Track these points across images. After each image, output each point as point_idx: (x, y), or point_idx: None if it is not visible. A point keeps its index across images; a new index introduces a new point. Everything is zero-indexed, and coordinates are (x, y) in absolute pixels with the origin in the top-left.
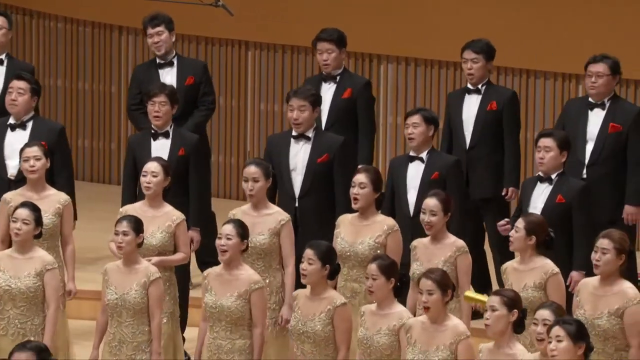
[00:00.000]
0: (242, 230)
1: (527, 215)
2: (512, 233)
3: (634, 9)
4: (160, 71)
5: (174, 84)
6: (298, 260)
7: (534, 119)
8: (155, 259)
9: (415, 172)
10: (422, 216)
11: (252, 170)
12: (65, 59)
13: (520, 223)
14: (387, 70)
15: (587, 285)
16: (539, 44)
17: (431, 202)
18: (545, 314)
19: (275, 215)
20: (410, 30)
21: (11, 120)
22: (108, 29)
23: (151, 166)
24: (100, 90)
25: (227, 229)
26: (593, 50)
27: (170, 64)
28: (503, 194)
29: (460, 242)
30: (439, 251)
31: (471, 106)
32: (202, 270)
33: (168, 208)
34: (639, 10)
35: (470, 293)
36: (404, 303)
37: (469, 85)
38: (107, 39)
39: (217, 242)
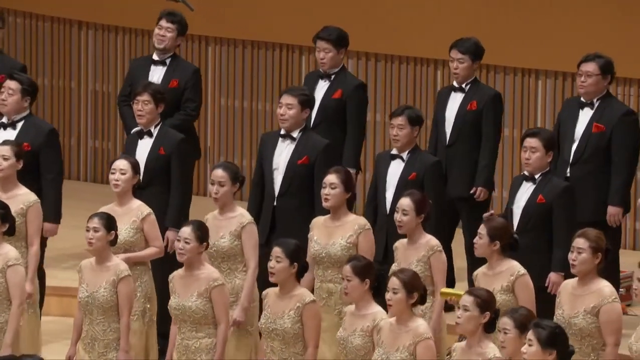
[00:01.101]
0: (201, 233)
1: (489, 221)
2: (476, 240)
3: (629, 7)
4: (153, 67)
5: (159, 84)
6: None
7: (528, 118)
8: (122, 255)
9: (395, 171)
10: (395, 215)
11: (218, 173)
12: (24, 54)
13: (482, 229)
14: (376, 68)
15: (567, 286)
16: (529, 42)
17: (404, 202)
18: (505, 322)
19: (238, 217)
20: (397, 27)
21: (3, 120)
22: (68, 23)
23: (119, 164)
24: (60, 85)
25: (185, 232)
26: (588, 48)
27: (164, 63)
28: (472, 192)
29: (434, 242)
30: (414, 251)
31: (454, 104)
32: None
33: (136, 204)
34: (634, 9)
35: (446, 289)
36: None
37: (454, 83)
38: (67, 34)
39: (176, 244)
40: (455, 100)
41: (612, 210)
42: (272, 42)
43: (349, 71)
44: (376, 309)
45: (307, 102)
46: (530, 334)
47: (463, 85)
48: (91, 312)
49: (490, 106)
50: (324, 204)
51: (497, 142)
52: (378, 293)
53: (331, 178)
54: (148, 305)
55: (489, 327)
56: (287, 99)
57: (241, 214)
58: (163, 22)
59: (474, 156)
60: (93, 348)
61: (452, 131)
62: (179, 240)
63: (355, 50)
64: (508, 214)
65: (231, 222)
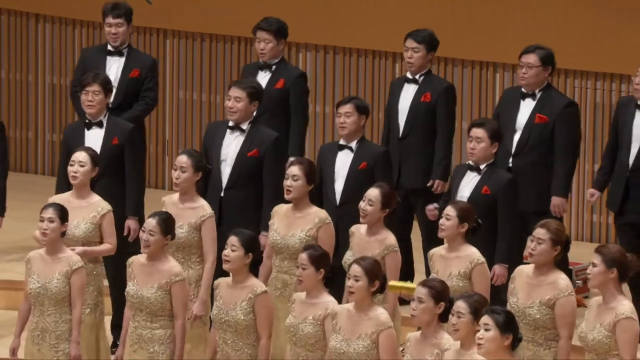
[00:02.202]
0: (166, 225)
1: (456, 203)
2: (442, 221)
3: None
4: (109, 58)
5: (119, 74)
6: (219, 253)
7: (471, 109)
8: (79, 248)
9: (343, 161)
10: (360, 203)
11: (182, 159)
12: None
13: (451, 211)
14: (315, 59)
15: (521, 273)
16: (474, 34)
17: (373, 192)
18: (459, 305)
19: (198, 209)
20: (341, 19)
21: None
22: (25, 16)
23: (79, 156)
24: (17, 79)
25: (151, 224)
26: (528, 40)
27: (120, 53)
28: (429, 185)
29: (391, 241)
30: (371, 245)
31: (407, 96)
32: None
33: (95, 199)
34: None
35: (394, 282)
36: (334, 294)
37: (408, 75)
38: (24, 26)
39: (140, 235)
40: (408, 92)
41: (557, 201)
42: (230, 35)
43: (288, 61)
44: (328, 298)
45: (255, 94)
46: (486, 319)
47: (417, 77)
48: (42, 304)
49: (444, 98)
50: (286, 196)
51: (451, 134)
52: (330, 284)
53: (294, 170)
54: (100, 299)
55: (444, 317)
56: (235, 92)
57: (202, 206)
58: (110, 19)
59: (427, 148)
60: (43, 340)
61: (405, 123)
62: (143, 231)
63: (308, 42)
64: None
65: (191, 213)
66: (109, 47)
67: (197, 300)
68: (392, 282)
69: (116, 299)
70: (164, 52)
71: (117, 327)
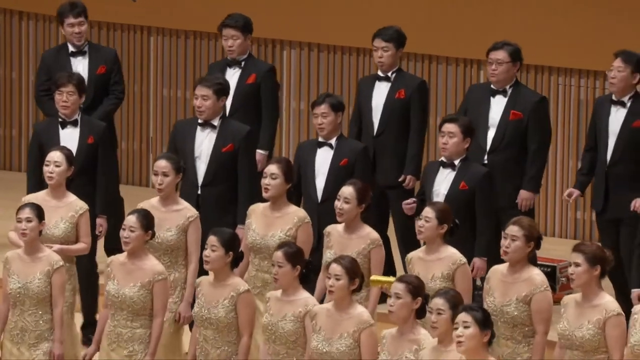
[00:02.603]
0: (146, 221)
1: (434, 204)
2: (422, 223)
3: None
4: (72, 59)
5: (86, 73)
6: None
7: (437, 105)
8: (56, 246)
9: (324, 158)
10: (336, 202)
11: (162, 164)
12: None
13: (430, 213)
14: (290, 56)
15: (496, 272)
16: (442, 30)
17: (347, 190)
18: (438, 302)
19: (184, 211)
20: (314, 16)
21: None
22: (8, 14)
23: (54, 155)
24: (1, 76)
25: (131, 221)
26: (495, 36)
27: (83, 53)
28: (400, 180)
29: (375, 235)
30: (353, 242)
31: (380, 93)
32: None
33: (72, 198)
34: None
35: (376, 277)
36: (309, 290)
37: (379, 72)
38: (8, 24)
39: (121, 233)
40: (380, 90)
41: (526, 195)
42: (215, 33)
43: (255, 57)
44: (305, 294)
45: (222, 90)
46: (464, 317)
47: (389, 74)
48: (23, 303)
49: (417, 94)
50: (264, 194)
51: (424, 130)
52: (305, 280)
53: (272, 168)
54: (76, 298)
55: (420, 313)
56: (201, 91)
57: (187, 207)
58: (71, 19)
59: (402, 144)
60: (23, 339)
61: (380, 121)
62: (124, 229)
63: (292, 40)
64: (424, 199)
65: (178, 216)
66: (71, 48)
67: (183, 302)
68: (374, 277)
69: (84, 296)
70: (148, 50)
71: (87, 323)
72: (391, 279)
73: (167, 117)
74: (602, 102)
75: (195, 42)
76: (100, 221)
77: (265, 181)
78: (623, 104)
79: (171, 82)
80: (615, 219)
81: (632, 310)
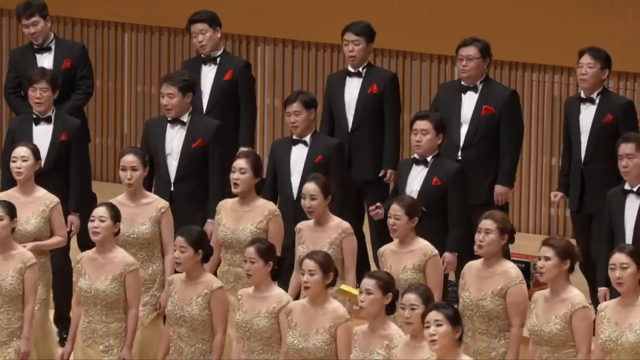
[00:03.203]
0: (115, 213)
1: (401, 200)
2: (393, 221)
3: None
4: (38, 56)
5: (51, 68)
6: None
7: (411, 101)
8: (30, 244)
9: (299, 156)
10: (302, 201)
11: (130, 159)
12: None
13: (399, 210)
14: (265, 53)
15: (471, 267)
16: (414, 26)
17: (310, 187)
18: (411, 298)
19: (155, 203)
20: (288, 12)
21: None
22: None
23: (20, 151)
24: None
25: (100, 211)
26: (470, 32)
27: (48, 49)
28: (381, 175)
29: (346, 224)
30: (324, 234)
31: (352, 89)
32: None
33: (41, 192)
34: None
35: (345, 287)
36: (282, 286)
37: (349, 68)
38: None
39: (90, 224)
40: (352, 85)
41: (500, 190)
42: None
43: (229, 52)
44: (279, 290)
45: (187, 87)
46: (436, 315)
47: (360, 70)
48: None
49: (390, 88)
50: (233, 189)
51: (399, 124)
52: (277, 276)
53: (241, 163)
54: (49, 294)
55: (390, 309)
56: (167, 89)
57: (156, 199)
58: (24, 20)
59: (377, 139)
60: None
61: (354, 116)
62: (92, 220)
63: (267, 37)
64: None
65: (149, 208)
66: (35, 45)
67: (163, 293)
68: (343, 286)
69: (58, 292)
70: (122, 46)
71: (60, 319)
72: (358, 292)
73: (141, 113)
74: (571, 102)
75: (169, 39)
76: (72, 218)
77: (234, 176)
78: (592, 101)
79: (145, 78)
80: (590, 215)
81: (598, 307)
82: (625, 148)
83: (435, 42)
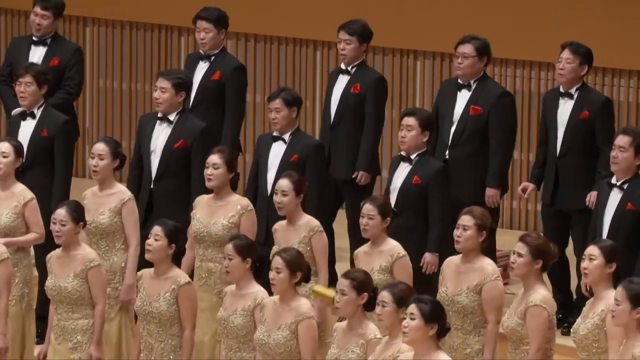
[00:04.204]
0: (76, 213)
1: (373, 200)
2: (365, 221)
3: None
4: (33, 48)
5: (40, 63)
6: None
7: (407, 99)
8: (2, 240)
9: (276, 153)
10: (274, 197)
11: (99, 147)
12: None
13: (371, 210)
14: (246, 49)
15: (450, 263)
16: (411, 23)
17: (283, 183)
18: (383, 295)
19: (118, 194)
20: (276, 9)
21: None
22: None
23: (2, 146)
24: None
25: (60, 214)
26: (465, 29)
27: (44, 43)
28: (354, 176)
29: (315, 222)
30: (294, 232)
31: (340, 86)
32: None
33: (18, 188)
34: None
35: (319, 287)
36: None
37: (342, 66)
38: None
39: (52, 226)
40: (341, 82)
41: (490, 192)
42: (151, 23)
43: (228, 52)
44: (257, 288)
45: (181, 85)
46: (412, 308)
47: (349, 68)
48: None
49: (373, 90)
50: (207, 184)
51: (378, 126)
52: (259, 274)
53: (214, 158)
54: (26, 290)
55: (369, 307)
56: (161, 83)
57: (121, 190)
58: (38, 9)
59: (357, 139)
60: None
61: (335, 113)
62: (54, 223)
63: (235, 31)
64: (386, 194)
65: (111, 199)
66: (34, 37)
67: (123, 285)
68: (316, 287)
69: (42, 291)
70: (83, 40)
71: (39, 318)
72: (332, 293)
73: (103, 108)
74: (550, 95)
75: (131, 33)
76: None
77: (207, 171)
78: (570, 96)
79: (107, 73)
80: (562, 211)
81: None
82: (621, 140)
83: (436, 39)
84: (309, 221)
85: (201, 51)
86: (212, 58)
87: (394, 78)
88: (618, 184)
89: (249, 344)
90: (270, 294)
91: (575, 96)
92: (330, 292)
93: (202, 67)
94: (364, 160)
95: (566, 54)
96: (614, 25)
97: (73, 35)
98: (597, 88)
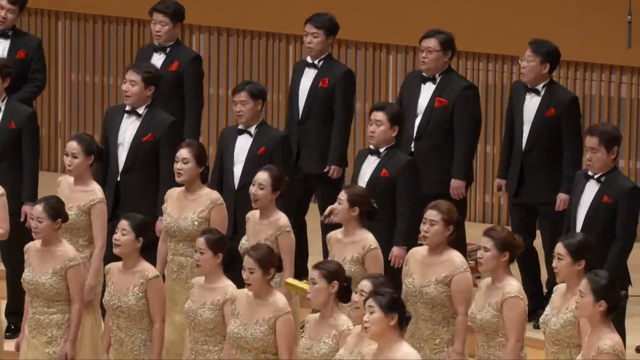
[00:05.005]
0: (54, 211)
1: (349, 187)
2: (335, 205)
3: None
4: None
5: (4, 57)
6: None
7: (376, 93)
8: None
9: (242, 146)
10: (251, 187)
11: (72, 146)
12: None
13: (343, 195)
14: (209, 41)
15: (415, 254)
16: (384, 17)
17: (262, 176)
18: (364, 284)
19: (89, 193)
20: (241, 1)
21: None
22: None
23: None
24: None
25: (37, 211)
26: (436, 23)
27: (6, 36)
28: (325, 170)
29: (283, 222)
30: (264, 227)
31: (307, 80)
32: None
33: None
34: None
35: (292, 280)
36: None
37: (308, 59)
38: None
39: (30, 222)
40: (308, 76)
41: (455, 184)
42: (123, 17)
43: (183, 44)
44: (227, 282)
45: (151, 79)
46: (371, 302)
47: (316, 62)
48: None
49: (341, 84)
50: (177, 179)
51: (348, 120)
52: (228, 268)
53: (183, 153)
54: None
55: (342, 297)
56: (131, 76)
57: (94, 190)
58: (4, 3)
59: (325, 133)
60: None
61: (304, 107)
62: (32, 219)
63: (207, 25)
64: None
65: (82, 196)
66: None
67: (85, 286)
68: (289, 280)
69: (12, 285)
70: (55, 34)
71: (12, 313)
72: (305, 286)
73: (76, 102)
74: (518, 88)
75: (103, 27)
76: (27, 208)
77: (177, 166)
78: (537, 92)
79: (79, 67)
80: (527, 204)
81: (554, 289)
82: (589, 142)
83: (409, 33)
84: (279, 219)
85: (155, 43)
86: (168, 50)
87: (367, 72)
88: (595, 176)
89: (216, 337)
90: (239, 287)
91: (542, 93)
92: (303, 284)
93: (157, 59)
94: (335, 154)
95: (528, 52)
96: (584, 18)
97: (45, 29)
98: (568, 82)
